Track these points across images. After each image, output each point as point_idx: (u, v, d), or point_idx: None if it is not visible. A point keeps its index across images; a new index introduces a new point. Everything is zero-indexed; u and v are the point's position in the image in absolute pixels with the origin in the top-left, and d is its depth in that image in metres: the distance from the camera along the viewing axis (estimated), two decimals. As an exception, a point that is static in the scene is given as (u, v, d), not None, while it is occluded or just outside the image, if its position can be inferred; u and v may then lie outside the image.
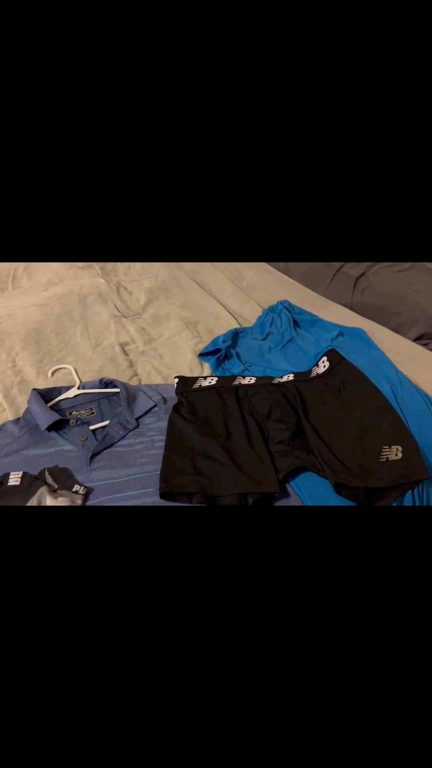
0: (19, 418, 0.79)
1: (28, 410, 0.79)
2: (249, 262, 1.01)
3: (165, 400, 0.83)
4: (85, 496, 0.65)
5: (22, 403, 0.84)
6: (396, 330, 1.03)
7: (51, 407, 0.80)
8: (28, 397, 0.86)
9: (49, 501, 0.61)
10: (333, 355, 0.86)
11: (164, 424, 0.77)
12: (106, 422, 0.78)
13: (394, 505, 0.64)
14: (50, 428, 0.75)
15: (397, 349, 0.94)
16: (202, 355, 0.95)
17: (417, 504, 0.65)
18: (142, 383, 0.90)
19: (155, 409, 0.81)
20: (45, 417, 0.75)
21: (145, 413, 0.80)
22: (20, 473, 0.67)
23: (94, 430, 0.77)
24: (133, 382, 0.90)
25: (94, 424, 0.78)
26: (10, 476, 0.66)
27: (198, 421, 0.75)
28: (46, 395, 0.82)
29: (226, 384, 0.83)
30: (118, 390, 0.83)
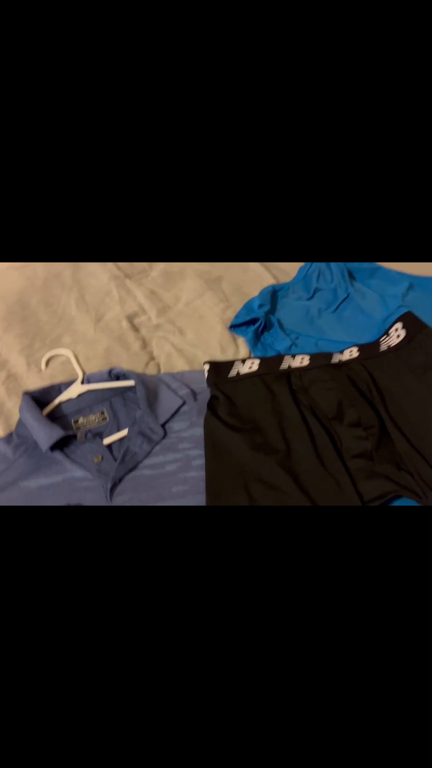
0: (11, 434, 0.62)
1: (20, 422, 0.61)
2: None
3: (195, 395, 0.64)
4: (111, 549, 0.49)
5: (13, 408, 0.66)
6: None
7: (50, 413, 0.63)
8: (19, 400, 0.68)
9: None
10: (410, 321, 0.66)
11: (199, 431, 0.59)
12: (124, 432, 0.60)
13: None
14: (53, 447, 0.58)
15: None
16: (234, 326, 0.74)
17: None
18: (162, 370, 0.71)
19: (184, 408, 0.63)
20: (45, 433, 0.57)
21: (172, 416, 0.62)
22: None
23: (109, 445, 0.60)
24: (151, 370, 0.71)
25: (108, 434, 0.61)
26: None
27: (244, 427, 0.57)
28: (41, 398, 0.63)
29: (271, 369, 0.63)
30: (133, 383, 0.64)
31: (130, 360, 0.72)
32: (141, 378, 0.64)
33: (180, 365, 0.71)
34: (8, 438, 0.61)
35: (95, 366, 0.71)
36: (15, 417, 0.65)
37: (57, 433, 0.57)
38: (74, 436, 0.60)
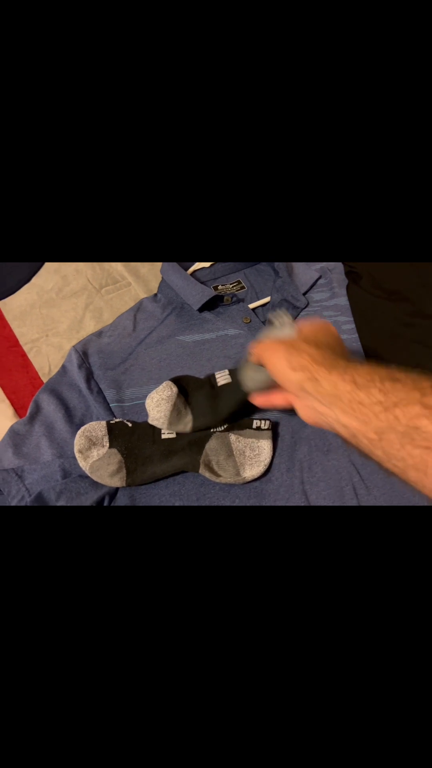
0: (156, 295, 0.63)
1: (164, 284, 0.62)
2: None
3: (329, 270, 0.64)
4: (280, 394, 0.52)
5: (148, 275, 0.67)
6: None
7: (188, 279, 0.63)
8: (154, 267, 0.68)
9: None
10: None
11: (342, 301, 0.60)
12: (267, 299, 0.61)
13: None
14: (202, 308, 0.59)
15: None
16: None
17: None
18: (289, 248, 0.70)
19: (321, 281, 0.63)
20: (196, 293, 0.58)
21: (310, 288, 0.63)
22: (225, 372, 0.52)
23: (253, 310, 0.61)
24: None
25: (249, 301, 0.62)
26: (217, 376, 0.52)
27: (392, 297, 0.58)
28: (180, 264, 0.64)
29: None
30: (267, 256, 0.64)
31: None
32: (278, 249, 0.64)
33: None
34: (154, 297, 0.62)
35: (219, 241, 0.70)
36: (152, 281, 0.66)
37: (208, 292, 0.58)
38: (221, 298, 0.61)
